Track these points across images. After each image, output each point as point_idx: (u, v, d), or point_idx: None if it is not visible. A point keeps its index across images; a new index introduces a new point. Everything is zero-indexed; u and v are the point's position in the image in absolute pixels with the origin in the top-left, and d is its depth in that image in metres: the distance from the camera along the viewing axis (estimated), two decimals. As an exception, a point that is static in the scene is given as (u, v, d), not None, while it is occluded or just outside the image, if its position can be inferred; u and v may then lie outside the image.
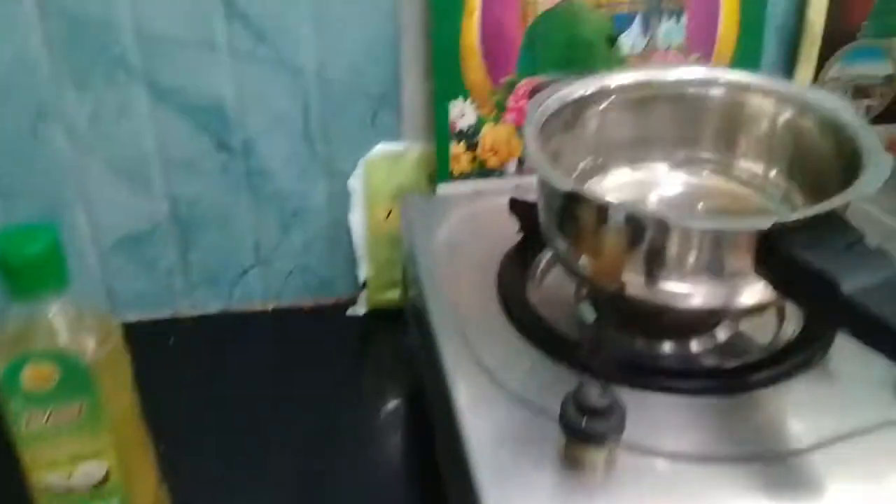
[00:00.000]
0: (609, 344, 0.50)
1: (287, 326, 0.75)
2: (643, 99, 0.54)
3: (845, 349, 0.48)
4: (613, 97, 0.53)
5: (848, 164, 0.46)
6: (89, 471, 0.48)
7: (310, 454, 0.61)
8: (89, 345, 0.45)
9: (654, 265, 0.44)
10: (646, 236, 0.43)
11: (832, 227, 0.41)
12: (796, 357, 0.48)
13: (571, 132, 0.52)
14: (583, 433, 0.40)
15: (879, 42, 0.68)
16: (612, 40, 0.63)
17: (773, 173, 0.52)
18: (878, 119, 0.71)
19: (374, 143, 0.68)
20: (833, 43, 0.68)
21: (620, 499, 0.40)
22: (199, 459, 0.59)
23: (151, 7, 0.60)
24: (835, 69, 0.69)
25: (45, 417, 0.45)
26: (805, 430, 0.43)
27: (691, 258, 0.43)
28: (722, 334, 0.52)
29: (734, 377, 0.48)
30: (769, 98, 0.52)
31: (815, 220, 0.41)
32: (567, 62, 0.63)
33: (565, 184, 0.43)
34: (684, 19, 0.63)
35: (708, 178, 0.55)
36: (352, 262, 0.73)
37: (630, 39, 0.63)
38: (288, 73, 0.64)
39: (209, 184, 0.68)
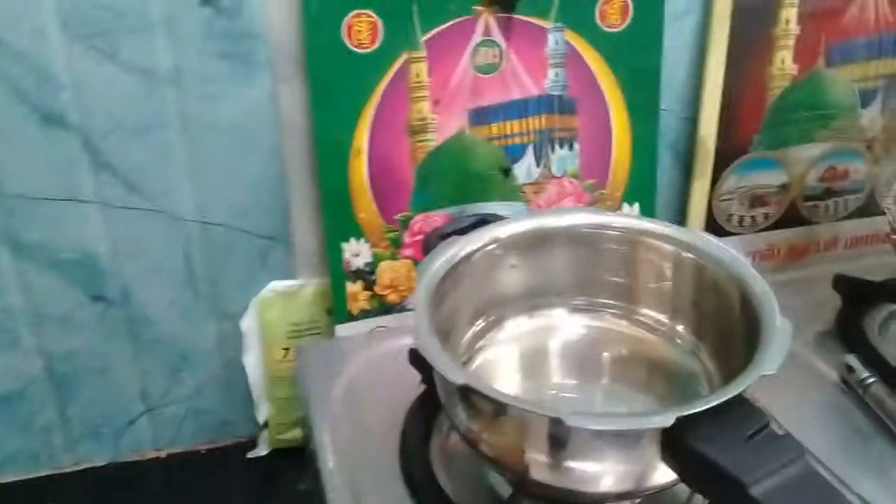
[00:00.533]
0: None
1: (183, 472, 0.69)
2: (535, 247, 0.51)
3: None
4: (505, 248, 0.50)
5: (749, 321, 0.45)
6: None
7: None
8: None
9: (556, 453, 0.41)
10: (543, 430, 0.40)
11: (735, 412, 0.38)
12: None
13: (465, 289, 0.49)
14: None
15: (772, 153, 0.69)
16: (507, 171, 0.61)
17: (679, 326, 0.51)
18: (776, 225, 0.72)
19: (264, 283, 0.64)
20: (727, 156, 0.68)
21: None
22: None
23: (10, 164, 0.56)
24: (730, 181, 0.69)
25: None
26: None
27: (594, 449, 0.41)
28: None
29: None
30: (667, 245, 0.51)
31: (718, 408, 0.38)
32: (462, 195, 0.61)
33: (457, 377, 0.40)
34: (577, 146, 0.62)
35: (611, 322, 0.54)
36: (250, 402, 0.68)
37: (524, 169, 0.62)
38: (165, 220, 0.60)
39: (86, 336, 0.63)
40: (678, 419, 0.37)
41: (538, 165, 0.62)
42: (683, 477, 0.40)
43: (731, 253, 0.48)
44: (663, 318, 0.51)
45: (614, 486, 0.42)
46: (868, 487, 0.48)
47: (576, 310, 0.54)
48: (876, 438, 0.52)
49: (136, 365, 0.65)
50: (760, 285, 0.45)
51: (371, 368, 0.59)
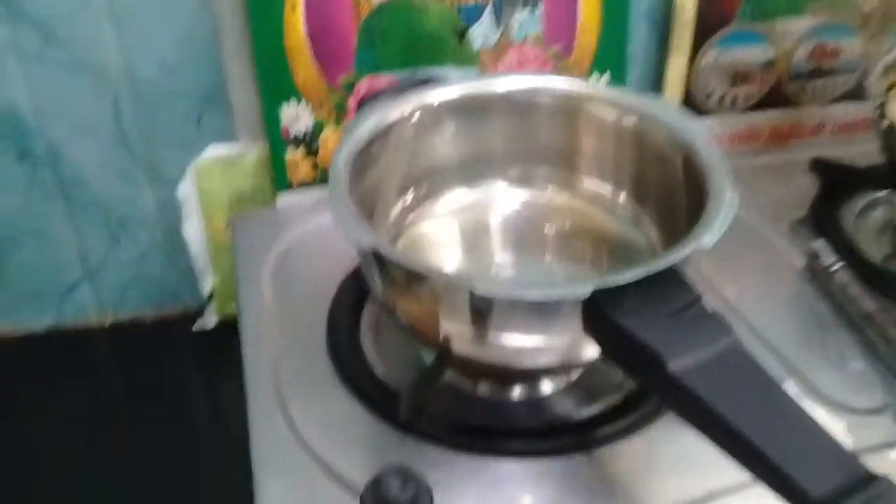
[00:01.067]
0: (438, 398, 0.45)
1: (129, 341, 0.68)
2: (471, 113, 0.47)
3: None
4: (437, 114, 0.46)
5: (695, 192, 0.42)
6: None
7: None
8: None
9: (475, 324, 0.38)
10: (459, 299, 0.37)
11: (664, 287, 0.36)
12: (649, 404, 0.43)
13: (392, 158, 0.45)
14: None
15: (757, 25, 0.63)
16: (461, 33, 0.56)
17: (621, 196, 0.47)
18: (759, 105, 0.67)
19: (202, 147, 0.60)
20: (707, 28, 0.62)
21: None
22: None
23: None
24: (710, 55, 0.63)
25: None
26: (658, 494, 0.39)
27: (515, 320, 0.38)
28: (574, 371, 0.48)
29: (581, 432, 0.43)
30: (608, 109, 0.46)
31: (644, 281, 0.36)
32: (411, 58, 0.56)
33: (365, 240, 0.37)
34: (541, 8, 0.57)
35: (553, 195, 0.50)
36: (194, 272, 0.66)
37: (481, 32, 0.56)
38: (89, 74, 0.55)
39: (16, 196, 0.60)
40: (597, 291, 0.35)
41: (497, 28, 0.57)
42: (604, 351, 0.37)
43: (682, 119, 0.44)
44: (606, 188, 0.48)
45: (540, 360, 0.40)
46: (823, 377, 0.45)
47: (515, 181, 0.50)
48: (836, 329, 0.49)
49: (72, 228, 0.62)
50: (710, 156, 0.42)
51: (308, 241, 0.56)
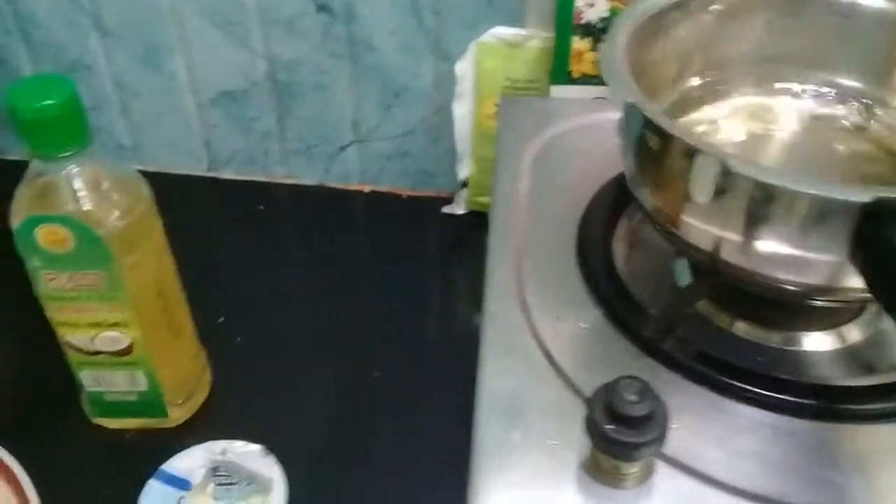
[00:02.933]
0: (692, 321, 0.41)
1: (383, 210, 0.70)
2: (787, 3, 0.41)
3: None
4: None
5: None
6: (113, 337, 0.46)
7: (378, 348, 0.57)
8: (110, 213, 0.42)
9: (749, 222, 0.33)
10: (711, 174, 0.32)
11: None
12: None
13: (687, 37, 0.40)
14: (610, 443, 0.32)
15: None
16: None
17: None
18: None
19: (489, 26, 0.58)
20: None
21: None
22: (257, 339, 0.57)
23: None
24: None
25: (66, 279, 0.43)
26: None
27: (775, 218, 0.33)
28: (854, 333, 0.41)
29: (841, 400, 0.37)
30: None
31: None
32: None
33: (625, 94, 0.33)
34: None
35: (857, 113, 0.42)
36: (455, 155, 0.65)
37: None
38: (398, -70, 0.55)
39: (308, 47, 0.62)
40: (882, 202, 0.28)
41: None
42: (869, 280, 0.31)
43: None
44: None
45: (801, 278, 0.34)
46: None
47: (816, 91, 0.43)
48: None
49: (352, 89, 0.64)
50: None
51: (576, 138, 0.52)
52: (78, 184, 0.41)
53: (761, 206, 0.33)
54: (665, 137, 0.34)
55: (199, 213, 0.67)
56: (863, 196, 0.30)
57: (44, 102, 0.38)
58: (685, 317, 0.40)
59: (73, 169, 0.41)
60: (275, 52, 0.63)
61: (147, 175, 0.45)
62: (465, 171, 0.65)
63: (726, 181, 0.33)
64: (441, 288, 0.65)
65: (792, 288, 0.35)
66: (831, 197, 0.31)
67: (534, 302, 0.41)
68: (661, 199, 0.37)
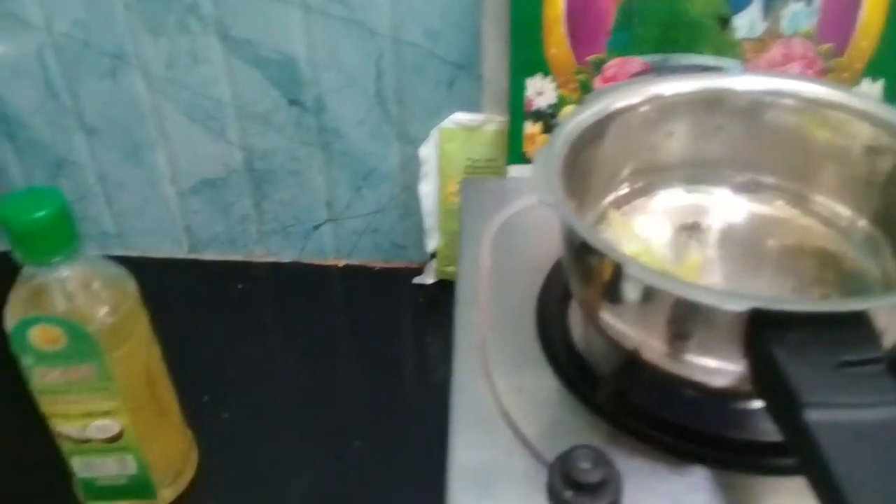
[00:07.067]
0: (644, 385, 0.44)
1: (357, 283, 0.73)
2: (704, 110, 0.45)
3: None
4: (665, 110, 0.44)
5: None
6: (103, 426, 0.49)
7: (366, 419, 0.60)
8: (99, 310, 0.45)
9: (656, 325, 0.36)
10: (616, 277, 0.36)
11: (843, 331, 0.31)
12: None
13: (611, 147, 0.44)
14: (568, 509, 0.35)
15: None
16: (725, 21, 0.54)
17: (861, 222, 0.43)
18: None
19: (449, 112, 0.63)
20: None
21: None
22: (241, 415, 0.60)
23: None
24: None
25: (58, 374, 0.46)
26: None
27: (686, 326, 0.36)
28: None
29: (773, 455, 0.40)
30: (864, 126, 0.42)
31: (821, 318, 0.32)
32: (667, 43, 0.54)
33: (551, 197, 0.37)
34: (818, 1, 0.53)
35: (780, 209, 0.46)
36: (423, 230, 0.69)
37: (747, 21, 0.53)
38: (361, 32, 0.60)
39: (282, 138, 0.66)
40: (758, 311, 0.31)
41: (765, 18, 0.53)
42: (752, 379, 0.34)
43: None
44: (844, 210, 0.44)
45: (711, 381, 0.38)
46: None
47: (740, 189, 0.47)
48: None
49: (324, 173, 0.68)
50: None
51: (533, 215, 0.56)
52: (68, 285, 0.44)
53: (664, 310, 0.35)
54: (574, 236, 0.37)
55: (181, 294, 0.71)
56: (741, 304, 0.31)
57: (34, 215, 0.41)
58: (635, 383, 0.43)
59: (64, 272, 0.44)
60: (251, 142, 0.67)
61: (130, 260, 0.48)
62: (433, 243, 0.69)
63: (627, 284, 0.35)
64: (416, 354, 0.68)
65: (709, 387, 0.38)
66: (713, 305, 0.33)
67: (498, 375, 0.45)
68: (583, 292, 0.41)
